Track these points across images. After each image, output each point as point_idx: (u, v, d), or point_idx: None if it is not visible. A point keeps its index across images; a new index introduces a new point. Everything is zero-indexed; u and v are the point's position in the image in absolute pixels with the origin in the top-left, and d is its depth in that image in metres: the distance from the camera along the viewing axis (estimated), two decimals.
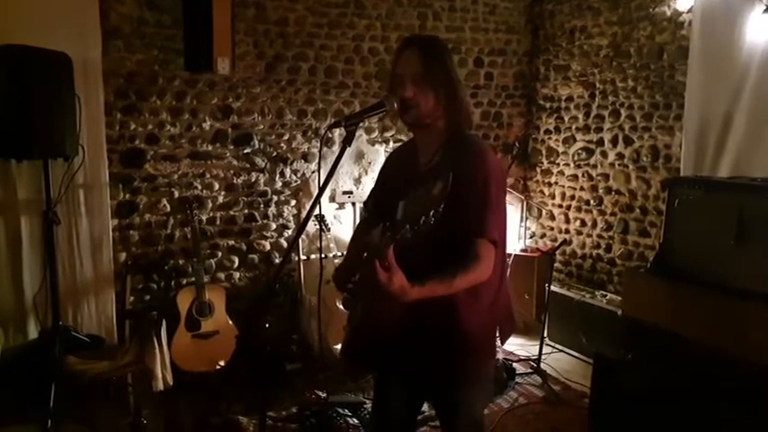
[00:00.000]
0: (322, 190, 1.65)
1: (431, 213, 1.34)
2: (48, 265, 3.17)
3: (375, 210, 1.96)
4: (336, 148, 4.12)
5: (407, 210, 1.39)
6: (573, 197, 4.63)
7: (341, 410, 3.15)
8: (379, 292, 1.45)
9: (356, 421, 3.10)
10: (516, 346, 4.13)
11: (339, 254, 3.96)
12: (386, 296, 1.46)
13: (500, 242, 1.71)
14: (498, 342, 1.95)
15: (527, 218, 4.93)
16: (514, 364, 3.73)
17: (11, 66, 2.87)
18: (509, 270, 4.28)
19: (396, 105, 1.73)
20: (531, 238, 4.98)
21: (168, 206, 3.82)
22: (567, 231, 4.68)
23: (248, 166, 4.02)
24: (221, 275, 4.02)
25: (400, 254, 1.46)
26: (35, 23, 3.12)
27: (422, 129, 1.83)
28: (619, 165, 4.25)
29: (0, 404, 2.87)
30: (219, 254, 4.01)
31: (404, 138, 4.48)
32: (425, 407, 2.19)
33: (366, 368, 2.73)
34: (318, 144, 4.12)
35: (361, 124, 1.74)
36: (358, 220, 4.37)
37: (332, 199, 4.30)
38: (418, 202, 1.37)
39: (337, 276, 1.92)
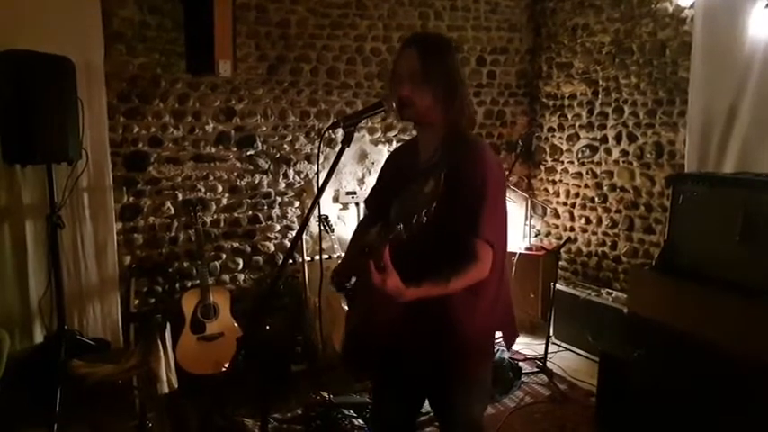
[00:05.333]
0: (321, 191, 1.65)
1: (423, 212, 1.35)
2: (53, 269, 3.19)
3: (376, 208, 1.95)
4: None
5: (400, 209, 1.39)
6: (577, 195, 4.61)
7: (346, 411, 3.15)
8: (375, 293, 1.45)
9: (361, 422, 3.10)
10: (522, 344, 4.11)
11: (343, 254, 3.95)
12: (381, 297, 1.45)
13: (497, 243, 1.69)
14: (504, 347, 1.95)
15: (532, 216, 4.91)
16: (520, 363, 3.72)
17: (14, 71, 2.88)
18: (514, 269, 4.29)
19: (394, 105, 1.73)
20: (535, 236, 4.96)
21: (172, 209, 3.82)
22: (572, 229, 4.66)
23: (251, 167, 4.03)
24: (226, 277, 4.03)
25: (399, 254, 1.46)
26: (38, 28, 3.14)
27: (423, 127, 1.84)
28: (623, 162, 4.23)
29: (7, 408, 2.88)
30: (224, 256, 4.01)
31: (407, 137, 4.48)
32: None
33: (365, 369, 2.62)
34: (321, 145, 4.12)
35: (362, 124, 1.74)
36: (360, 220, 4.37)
37: (335, 199, 4.30)
38: (410, 200, 1.37)
39: (335, 277, 1.91)
